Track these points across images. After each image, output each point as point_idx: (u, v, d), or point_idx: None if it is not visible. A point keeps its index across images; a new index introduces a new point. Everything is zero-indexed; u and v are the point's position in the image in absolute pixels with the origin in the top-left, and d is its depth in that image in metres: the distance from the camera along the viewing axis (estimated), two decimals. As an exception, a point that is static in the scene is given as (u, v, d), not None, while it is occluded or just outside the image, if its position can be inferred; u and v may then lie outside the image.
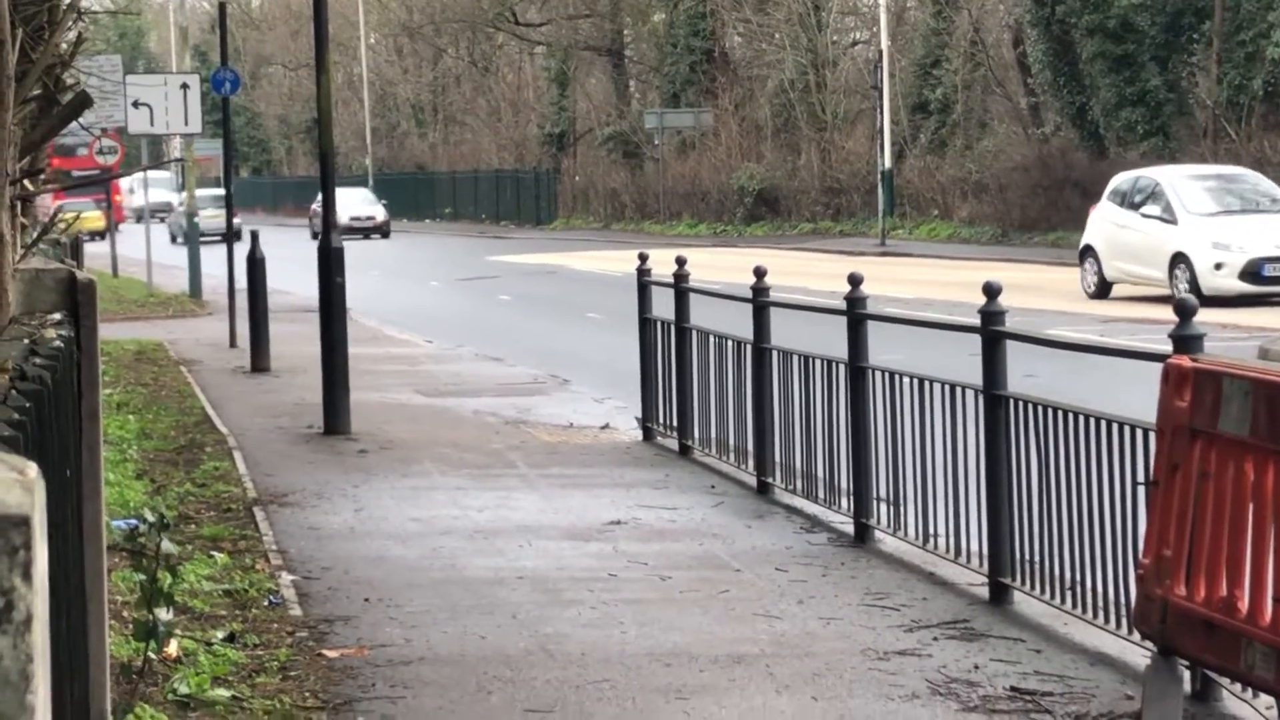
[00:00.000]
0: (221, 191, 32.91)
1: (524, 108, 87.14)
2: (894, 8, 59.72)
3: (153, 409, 18.17)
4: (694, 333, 14.84)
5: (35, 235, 6.78)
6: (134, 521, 8.39)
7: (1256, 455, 6.51)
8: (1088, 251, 31.25)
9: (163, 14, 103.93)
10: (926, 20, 59.10)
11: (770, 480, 12.98)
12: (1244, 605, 6.52)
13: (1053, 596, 9.03)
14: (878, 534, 11.20)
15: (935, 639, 8.80)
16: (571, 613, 9.43)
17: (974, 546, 9.92)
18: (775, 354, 12.98)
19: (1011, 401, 9.44)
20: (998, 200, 50.60)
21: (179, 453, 15.24)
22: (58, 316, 5.22)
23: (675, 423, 15.19)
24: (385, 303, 33.88)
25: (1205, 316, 23.88)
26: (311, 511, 12.55)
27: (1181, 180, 30.52)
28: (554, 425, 17.03)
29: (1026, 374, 12.95)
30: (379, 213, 71.53)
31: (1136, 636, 7.81)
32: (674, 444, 15.19)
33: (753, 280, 13.42)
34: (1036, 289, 31.43)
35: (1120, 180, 31.76)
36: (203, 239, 37.01)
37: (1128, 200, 30.74)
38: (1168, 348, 7.61)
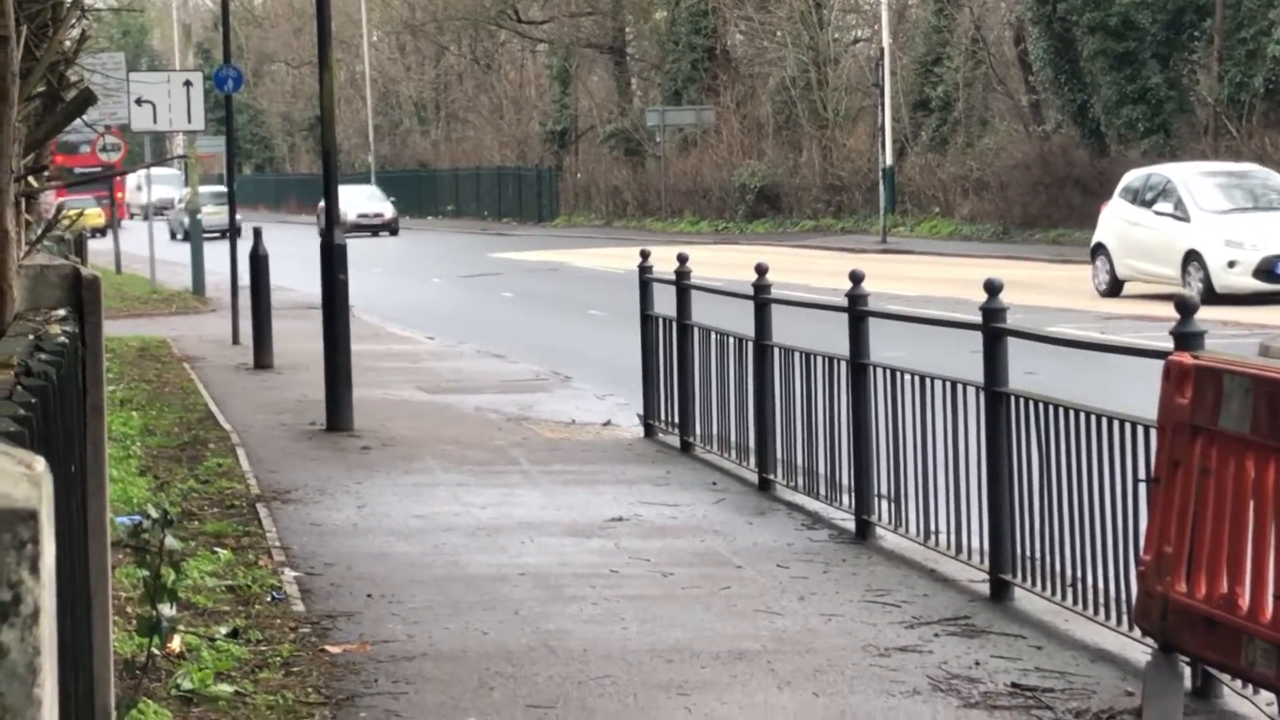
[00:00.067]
0: (223, 188, 32.93)
1: (526, 105, 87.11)
2: (895, 5, 59.64)
3: (156, 405, 18.20)
4: (695, 330, 14.85)
5: (40, 232, 6.80)
6: (138, 518, 8.40)
7: (1257, 452, 6.53)
8: (1099, 249, 31.01)
9: (166, 11, 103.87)
10: (928, 18, 59.05)
11: (772, 477, 12.98)
12: (1244, 602, 6.54)
13: (1054, 593, 9.03)
14: (879, 530, 11.21)
15: (936, 635, 8.81)
16: (573, 609, 9.44)
17: (975, 543, 9.93)
18: (777, 351, 12.99)
19: (1013, 398, 9.45)
20: (999, 198, 50.57)
21: (182, 449, 15.26)
22: (62, 312, 5.23)
23: (677, 419, 15.19)
24: (388, 300, 33.88)
25: (1218, 314, 24.13)
26: (314, 508, 12.56)
27: (1193, 177, 30.31)
28: (556, 422, 17.04)
29: (1027, 371, 12.96)
30: (387, 209, 71.37)
31: (1137, 633, 7.83)
32: (675, 441, 15.20)
33: (754, 277, 13.43)
34: (1038, 286, 31.37)
35: (1132, 177, 31.57)
36: (204, 236, 37.01)
37: (1139, 198, 30.52)
38: (1169, 345, 7.62)
